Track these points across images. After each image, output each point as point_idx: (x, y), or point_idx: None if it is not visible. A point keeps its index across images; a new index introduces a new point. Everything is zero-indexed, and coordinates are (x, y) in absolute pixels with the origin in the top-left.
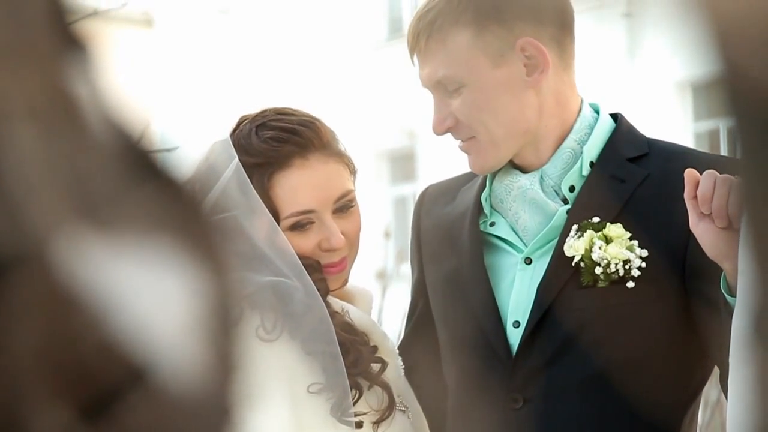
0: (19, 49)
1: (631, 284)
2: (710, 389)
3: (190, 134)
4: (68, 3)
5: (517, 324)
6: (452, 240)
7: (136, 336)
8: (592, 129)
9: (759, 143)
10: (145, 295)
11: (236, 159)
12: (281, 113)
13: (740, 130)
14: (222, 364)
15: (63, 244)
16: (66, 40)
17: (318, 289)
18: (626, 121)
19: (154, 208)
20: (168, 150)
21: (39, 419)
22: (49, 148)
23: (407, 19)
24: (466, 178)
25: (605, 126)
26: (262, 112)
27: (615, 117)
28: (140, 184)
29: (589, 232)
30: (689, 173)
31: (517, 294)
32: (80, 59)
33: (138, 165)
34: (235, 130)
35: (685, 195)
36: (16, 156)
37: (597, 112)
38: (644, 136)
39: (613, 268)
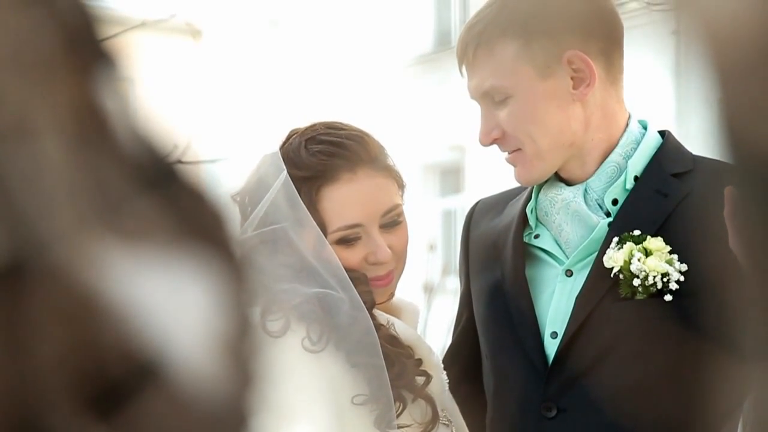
0: (46, 62)
1: (668, 298)
2: None
3: (238, 147)
4: (98, 16)
5: (554, 335)
6: (497, 251)
7: (153, 339)
8: (638, 144)
9: (759, 192)
10: (164, 300)
11: (285, 172)
12: (330, 127)
13: (741, 178)
14: (239, 370)
15: (85, 251)
16: (94, 54)
17: (364, 302)
18: (673, 138)
19: (177, 217)
20: (212, 162)
21: (57, 419)
22: (74, 160)
23: (455, 33)
24: (515, 192)
25: (651, 141)
26: (311, 125)
27: (663, 134)
28: (163, 194)
29: (629, 244)
30: (730, 191)
31: (556, 305)
32: (109, 72)
33: (163, 176)
34: (284, 143)
35: (725, 213)
36: (40, 166)
37: (645, 128)
38: (691, 153)
39: (651, 281)
